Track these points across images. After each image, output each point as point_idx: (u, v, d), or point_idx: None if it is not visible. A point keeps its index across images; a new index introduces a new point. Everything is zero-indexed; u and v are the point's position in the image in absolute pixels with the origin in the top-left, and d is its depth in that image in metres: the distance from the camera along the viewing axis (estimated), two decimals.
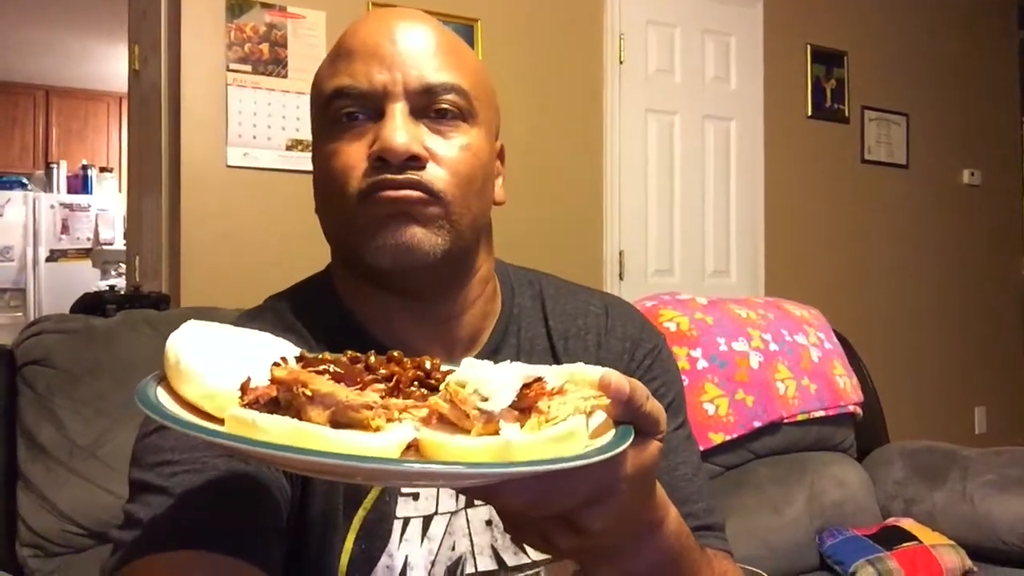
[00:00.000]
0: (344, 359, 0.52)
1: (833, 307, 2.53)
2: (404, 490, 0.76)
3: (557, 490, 0.48)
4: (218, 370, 0.51)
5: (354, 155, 0.72)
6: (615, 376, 0.50)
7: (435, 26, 0.77)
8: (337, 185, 0.73)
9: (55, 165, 6.37)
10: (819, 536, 1.97)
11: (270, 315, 0.80)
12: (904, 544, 1.89)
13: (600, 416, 0.50)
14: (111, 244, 6.02)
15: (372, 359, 0.52)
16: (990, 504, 1.95)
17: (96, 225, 6.10)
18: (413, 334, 0.77)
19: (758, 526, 1.93)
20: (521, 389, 0.47)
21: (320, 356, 0.52)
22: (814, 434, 2.13)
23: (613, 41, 3.38)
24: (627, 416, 0.50)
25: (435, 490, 0.76)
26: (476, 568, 0.78)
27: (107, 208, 6.21)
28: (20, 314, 5.74)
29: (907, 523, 1.98)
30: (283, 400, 0.46)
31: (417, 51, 0.74)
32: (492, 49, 2.99)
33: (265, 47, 2.69)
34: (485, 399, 0.46)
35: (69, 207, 6.11)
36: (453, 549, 0.77)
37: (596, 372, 0.50)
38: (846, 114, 3.99)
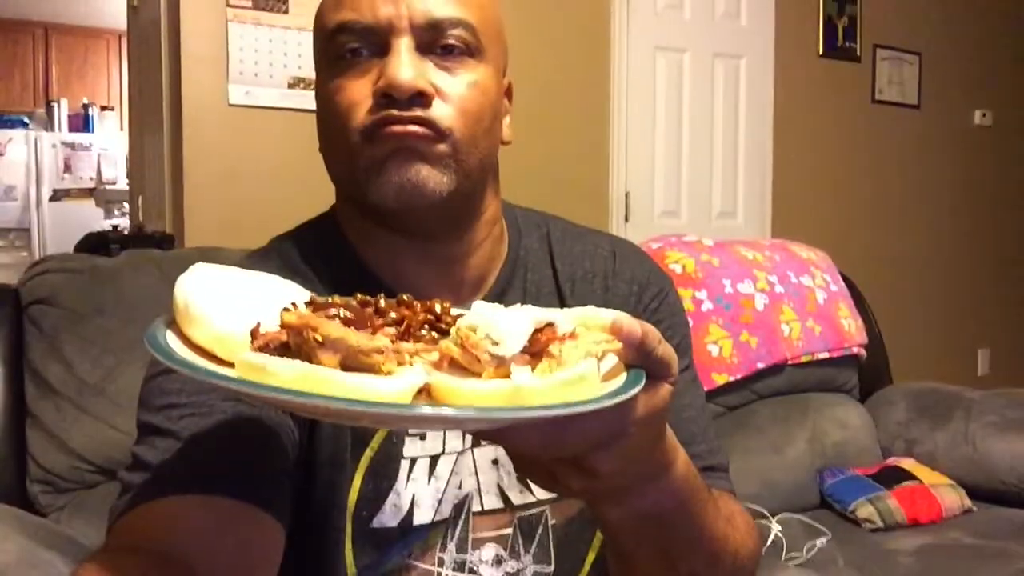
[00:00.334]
0: (354, 303, 0.52)
1: (839, 249, 2.52)
2: (411, 431, 0.77)
3: (567, 434, 0.48)
4: (227, 314, 0.50)
5: (358, 92, 0.71)
6: (627, 320, 0.49)
7: None
8: (341, 123, 0.72)
9: (56, 104, 6.31)
10: (820, 475, 2.00)
11: (275, 256, 0.79)
12: (904, 483, 1.91)
13: (612, 360, 0.49)
14: (114, 184, 5.99)
15: (382, 302, 0.52)
16: (991, 445, 1.97)
17: (98, 164, 6.07)
18: (419, 275, 0.77)
19: (760, 466, 1.95)
20: (533, 333, 0.47)
21: (330, 299, 0.51)
22: (817, 375, 2.14)
23: None
24: (639, 360, 0.50)
25: (442, 431, 0.77)
26: (482, 506, 0.78)
27: (109, 147, 6.17)
28: (25, 254, 5.75)
29: (907, 463, 2.00)
30: (294, 345, 0.45)
31: None
32: None
33: None
34: (496, 343, 0.46)
35: (71, 146, 6.07)
36: (459, 488, 0.78)
37: (608, 315, 0.49)
38: (858, 53, 3.92)
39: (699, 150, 3.55)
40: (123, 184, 5.69)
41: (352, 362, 0.45)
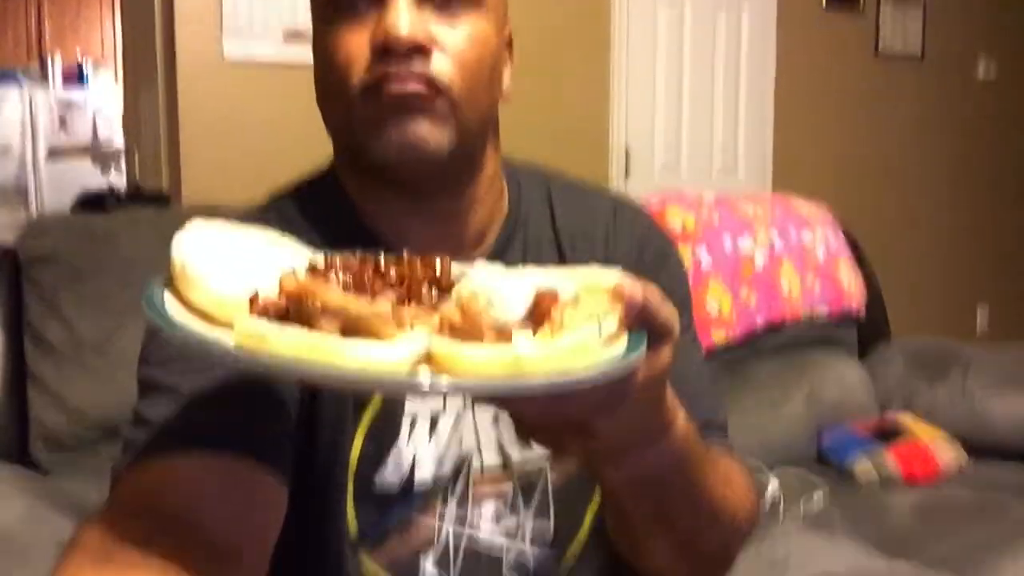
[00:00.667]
0: (353, 261, 0.51)
1: (840, 204, 2.50)
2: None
3: (568, 400, 0.48)
4: (225, 275, 0.50)
5: (355, 45, 0.69)
6: (629, 283, 0.49)
7: None
8: (337, 77, 0.70)
9: (50, 59, 6.23)
10: (817, 432, 2.01)
11: (273, 214, 0.78)
12: (901, 439, 1.92)
13: (613, 322, 0.49)
14: (110, 140, 5.95)
15: (382, 260, 0.52)
16: (989, 401, 1.98)
17: (94, 121, 6.02)
18: (418, 232, 0.76)
19: (757, 423, 1.96)
20: (534, 299, 0.46)
21: (330, 258, 0.51)
22: (816, 332, 2.14)
23: None
24: (641, 323, 0.50)
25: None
26: (483, 464, 0.79)
27: (104, 104, 6.10)
28: (23, 213, 5.72)
29: (905, 419, 2.01)
30: (293, 312, 0.45)
31: None
32: None
33: None
34: (498, 309, 0.46)
35: (66, 103, 6.01)
36: (460, 446, 0.78)
37: (610, 277, 0.49)
38: (861, 5, 3.86)
39: (700, 104, 3.52)
40: (119, 141, 5.65)
41: (352, 328, 0.45)
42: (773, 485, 1.79)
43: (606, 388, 0.47)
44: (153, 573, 0.48)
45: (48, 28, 6.44)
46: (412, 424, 0.76)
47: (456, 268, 0.54)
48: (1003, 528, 1.60)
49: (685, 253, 1.98)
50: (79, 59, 6.34)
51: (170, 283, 0.51)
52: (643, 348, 0.48)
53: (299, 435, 0.71)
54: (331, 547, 0.75)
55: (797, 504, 1.76)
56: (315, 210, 0.78)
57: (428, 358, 0.46)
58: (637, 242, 0.85)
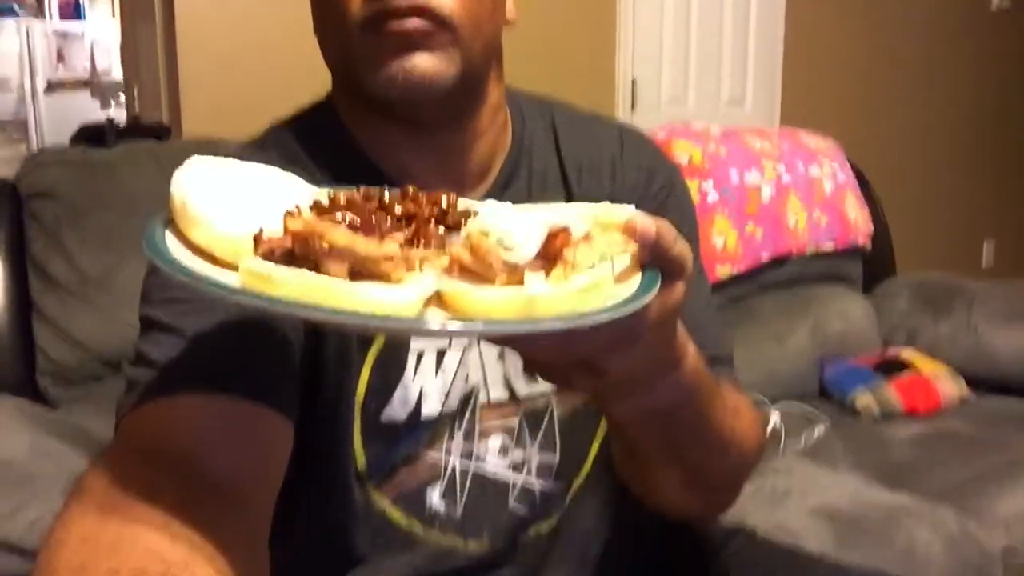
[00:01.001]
0: (357, 196, 0.50)
1: (847, 138, 2.47)
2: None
3: (579, 340, 0.47)
4: (227, 213, 0.48)
5: None
6: (641, 219, 0.47)
7: None
8: (335, 11, 0.68)
9: None
10: (820, 365, 2.02)
11: (272, 146, 0.77)
12: (903, 373, 1.93)
13: (626, 259, 0.48)
14: (108, 73, 5.87)
15: (387, 196, 0.50)
16: (993, 335, 1.98)
17: (92, 54, 5.94)
18: (421, 166, 0.75)
19: (761, 356, 1.97)
20: (546, 238, 0.45)
21: (334, 196, 0.49)
22: (822, 267, 2.13)
23: None
24: (654, 259, 0.49)
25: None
26: (489, 398, 0.79)
27: (102, 36, 6.01)
28: (23, 146, 5.69)
29: (908, 353, 2.01)
30: (299, 252, 0.44)
31: None
32: None
33: None
34: (509, 249, 0.44)
35: (63, 35, 5.92)
36: (466, 380, 0.78)
37: (623, 213, 0.48)
38: None
39: (708, 35, 3.45)
40: (118, 74, 5.58)
41: (360, 269, 0.43)
42: (775, 418, 1.81)
43: (617, 327, 0.46)
44: (158, 520, 0.48)
45: None
46: (418, 359, 0.76)
47: (463, 204, 0.53)
48: (1004, 460, 1.62)
49: (691, 187, 1.96)
50: None
51: (171, 221, 0.50)
52: (656, 286, 0.47)
53: (304, 372, 0.71)
54: (338, 482, 0.75)
55: (799, 437, 1.78)
56: (315, 143, 0.77)
57: (438, 299, 0.45)
58: (644, 172, 0.83)
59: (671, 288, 0.50)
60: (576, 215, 0.47)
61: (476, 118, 0.75)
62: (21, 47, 5.78)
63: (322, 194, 0.52)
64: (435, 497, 0.78)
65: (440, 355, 0.77)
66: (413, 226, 0.48)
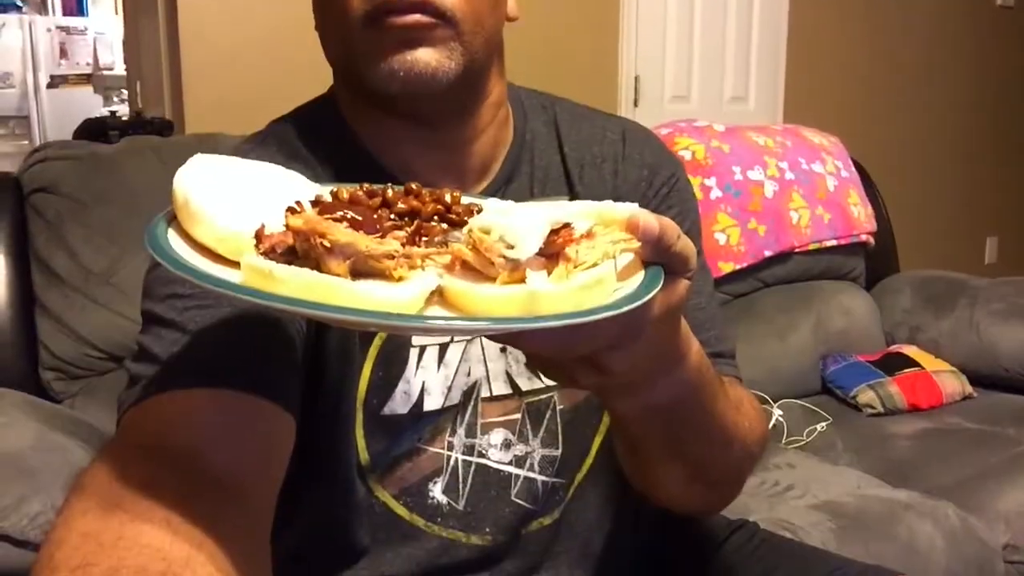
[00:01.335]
0: (361, 192, 0.50)
1: (850, 134, 2.47)
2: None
3: (581, 337, 0.47)
4: (229, 210, 0.48)
5: None
6: (644, 216, 0.47)
7: None
8: (335, 5, 0.68)
9: None
10: (822, 362, 2.02)
11: (273, 142, 0.77)
12: (906, 370, 1.93)
13: (629, 256, 0.48)
14: (111, 69, 5.87)
15: (390, 193, 0.50)
16: (995, 332, 1.98)
17: (95, 49, 5.93)
18: (422, 162, 0.75)
19: (763, 352, 1.97)
20: (548, 235, 0.45)
21: (336, 193, 0.49)
22: (824, 263, 2.13)
23: None
24: (657, 256, 0.48)
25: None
26: (491, 393, 0.79)
27: (105, 31, 6.01)
28: (26, 142, 5.69)
29: (910, 350, 2.01)
30: (300, 250, 0.44)
31: None
32: None
33: None
34: (511, 246, 0.44)
35: (66, 30, 5.92)
36: (468, 375, 0.78)
37: (625, 211, 0.47)
38: None
39: (711, 32, 3.44)
40: (120, 69, 5.58)
41: (362, 267, 0.43)
42: (777, 414, 1.81)
43: (620, 324, 0.46)
44: (159, 516, 0.48)
45: None
46: (420, 354, 0.76)
47: (466, 200, 0.53)
48: (1006, 456, 1.62)
49: (694, 184, 1.96)
50: None
51: (174, 218, 0.50)
52: (659, 283, 0.47)
53: (306, 367, 0.71)
54: (340, 476, 0.76)
55: (801, 433, 1.78)
56: (316, 139, 0.77)
57: (440, 296, 0.45)
58: (647, 168, 0.83)
59: (674, 285, 0.50)
60: (579, 212, 0.47)
61: (477, 114, 0.75)
62: (24, 42, 5.78)
63: (325, 191, 0.52)
64: (437, 491, 0.78)
65: (442, 350, 0.77)
66: (415, 224, 0.48)
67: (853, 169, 2.22)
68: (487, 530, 0.79)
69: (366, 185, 0.52)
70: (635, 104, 3.30)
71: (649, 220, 0.47)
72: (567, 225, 0.46)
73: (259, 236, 0.45)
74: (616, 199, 0.49)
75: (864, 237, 2.17)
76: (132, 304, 1.39)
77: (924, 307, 2.11)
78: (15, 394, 1.24)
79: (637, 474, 0.74)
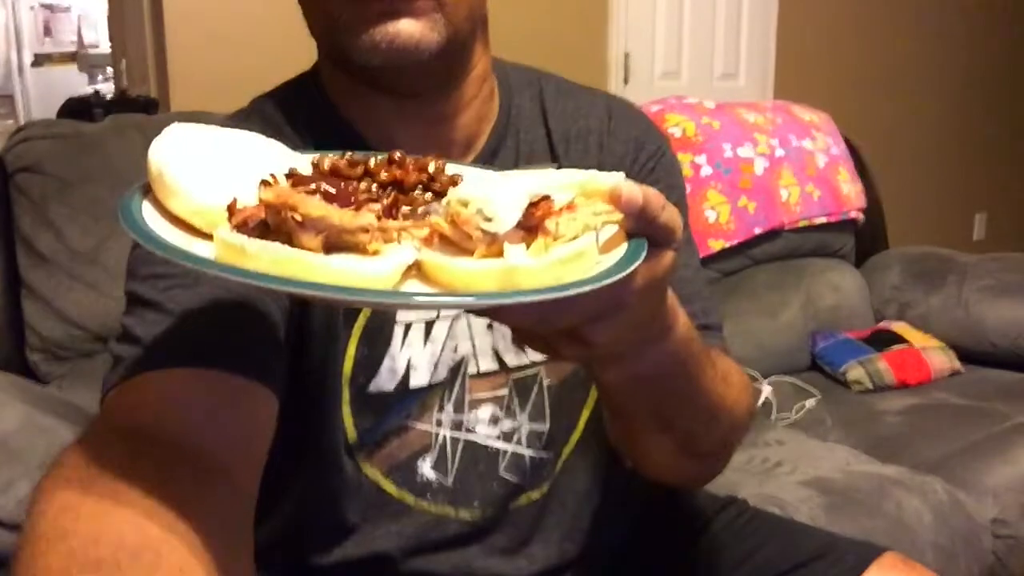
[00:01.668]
0: (343, 162, 0.49)
1: (841, 110, 2.46)
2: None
3: (564, 310, 0.46)
4: (205, 182, 0.47)
5: None
6: (627, 187, 0.46)
7: None
8: None
9: None
10: (812, 338, 2.02)
11: (257, 118, 0.76)
12: (895, 346, 1.94)
13: (612, 228, 0.47)
14: (96, 47, 5.81)
15: (372, 163, 0.49)
16: (983, 308, 1.99)
17: (79, 27, 5.87)
18: (406, 135, 0.74)
19: (753, 329, 1.97)
20: (528, 208, 0.44)
21: (317, 162, 0.49)
22: (814, 240, 2.14)
23: None
24: (641, 227, 0.48)
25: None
26: (478, 368, 0.79)
27: (89, 9, 5.94)
28: (11, 121, 5.63)
29: (899, 326, 2.02)
30: (272, 224, 0.42)
31: None
32: None
33: None
34: (489, 219, 0.43)
35: (50, 8, 5.85)
36: (455, 351, 0.78)
37: (608, 180, 0.47)
38: None
39: (701, 8, 3.42)
40: (105, 47, 5.52)
41: (336, 241, 0.42)
42: (766, 391, 1.81)
43: (603, 296, 0.45)
44: (137, 496, 0.47)
45: None
46: (406, 330, 0.76)
47: (451, 168, 0.52)
48: (993, 432, 1.63)
49: (684, 161, 1.96)
50: None
51: (149, 191, 0.49)
52: (642, 255, 0.46)
53: (290, 345, 0.71)
54: (328, 454, 0.75)
55: (790, 410, 1.78)
56: (299, 114, 0.76)
57: (418, 269, 0.44)
58: (632, 143, 0.83)
59: (659, 256, 0.49)
60: (561, 182, 0.46)
61: (462, 87, 0.75)
62: (7, 20, 5.71)
63: (306, 160, 0.51)
64: (426, 468, 0.78)
65: (428, 327, 0.77)
66: (391, 195, 0.47)
67: (843, 146, 2.22)
68: (475, 504, 0.79)
69: (349, 154, 0.51)
70: (625, 81, 3.29)
71: (632, 190, 0.47)
72: (546, 198, 0.45)
73: (231, 210, 0.44)
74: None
75: (854, 214, 2.17)
76: (118, 284, 1.38)
77: (913, 284, 2.12)
78: (2, 376, 1.23)
79: (625, 445, 0.74)
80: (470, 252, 0.44)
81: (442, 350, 0.77)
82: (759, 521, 0.93)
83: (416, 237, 0.45)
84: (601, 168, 0.79)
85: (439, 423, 0.78)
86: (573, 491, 0.84)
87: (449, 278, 0.43)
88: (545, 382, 0.81)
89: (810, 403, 1.80)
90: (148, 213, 0.47)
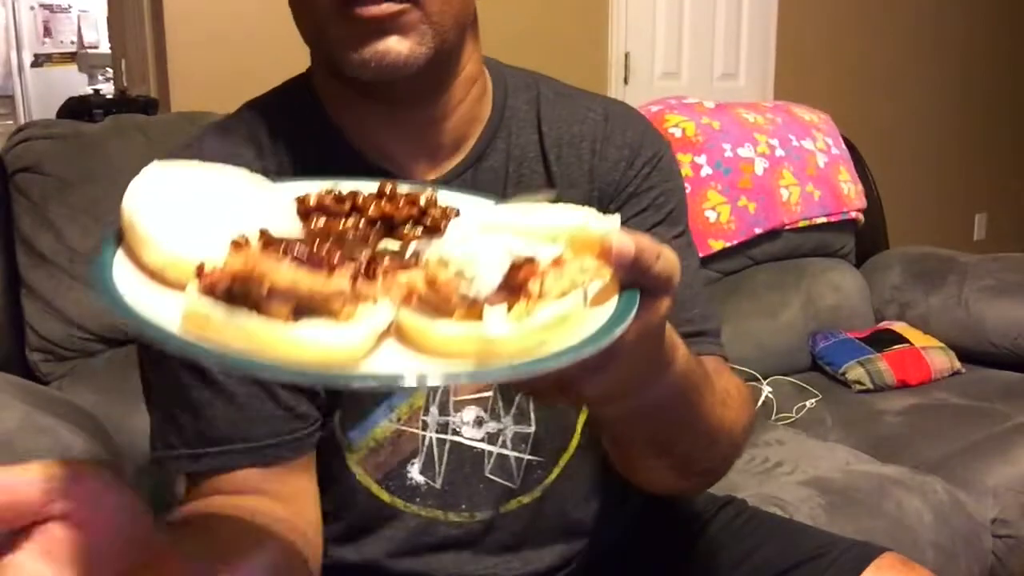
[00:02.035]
0: (329, 198, 0.48)
1: (841, 110, 2.46)
2: None
3: (547, 375, 0.43)
4: (177, 231, 0.45)
5: None
6: (618, 239, 0.44)
7: None
8: None
9: None
10: (812, 339, 2.02)
11: (244, 128, 0.76)
12: (895, 346, 1.93)
13: (601, 283, 0.45)
14: (96, 47, 5.80)
15: (361, 198, 0.49)
16: (983, 308, 1.99)
17: (79, 27, 5.86)
18: (394, 140, 0.74)
19: (753, 330, 1.97)
20: (509, 269, 0.42)
21: (302, 199, 0.48)
22: (814, 240, 2.13)
23: None
24: (635, 278, 0.45)
25: None
26: None
27: (89, 9, 5.94)
28: (11, 122, 5.63)
29: (899, 326, 2.02)
30: (239, 293, 0.41)
31: None
32: None
33: None
34: (469, 281, 0.42)
35: (49, 8, 5.85)
36: None
37: (601, 228, 0.45)
38: None
39: (702, 8, 3.42)
40: (105, 47, 5.52)
41: (308, 304, 0.41)
42: (766, 391, 1.81)
43: (591, 356, 0.43)
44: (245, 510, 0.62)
45: None
46: None
47: (444, 197, 0.51)
48: (994, 432, 1.63)
49: (684, 161, 1.96)
50: None
51: (124, 239, 0.47)
52: (631, 313, 0.44)
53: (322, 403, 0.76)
54: (320, 461, 0.76)
55: (791, 412, 1.78)
56: (288, 120, 0.76)
57: (396, 328, 0.43)
58: (628, 148, 0.81)
59: (655, 305, 0.47)
60: (552, 228, 0.45)
61: (450, 91, 0.74)
62: (7, 20, 5.70)
63: (293, 189, 0.50)
64: (415, 472, 0.78)
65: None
66: (368, 260, 0.45)
67: (843, 146, 2.22)
68: (463, 507, 0.80)
69: (336, 188, 0.50)
70: (625, 81, 3.29)
71: (623, 243, 0.44)
72: (529, 259, 0.43)
73: (199, 272, 0.42)
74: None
75: (854, 214, 2.17)
76: None
77: (913, 284, 2.12)
78: (2, 376, 1.23)
79: (621, 466, 0.73)
80: (449, 315, 0.43)
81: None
82: (757, 521, 0.93)
83: (396, 294, 0.43)
84: (593, 173, 0.79)
85: (425, 426, 0.78)
86: (573, 496, 0.84)
87: (426, 341, 0.42)
88: None
89: (810, 403, 1.80)
90: (120, 265, 0.45)
